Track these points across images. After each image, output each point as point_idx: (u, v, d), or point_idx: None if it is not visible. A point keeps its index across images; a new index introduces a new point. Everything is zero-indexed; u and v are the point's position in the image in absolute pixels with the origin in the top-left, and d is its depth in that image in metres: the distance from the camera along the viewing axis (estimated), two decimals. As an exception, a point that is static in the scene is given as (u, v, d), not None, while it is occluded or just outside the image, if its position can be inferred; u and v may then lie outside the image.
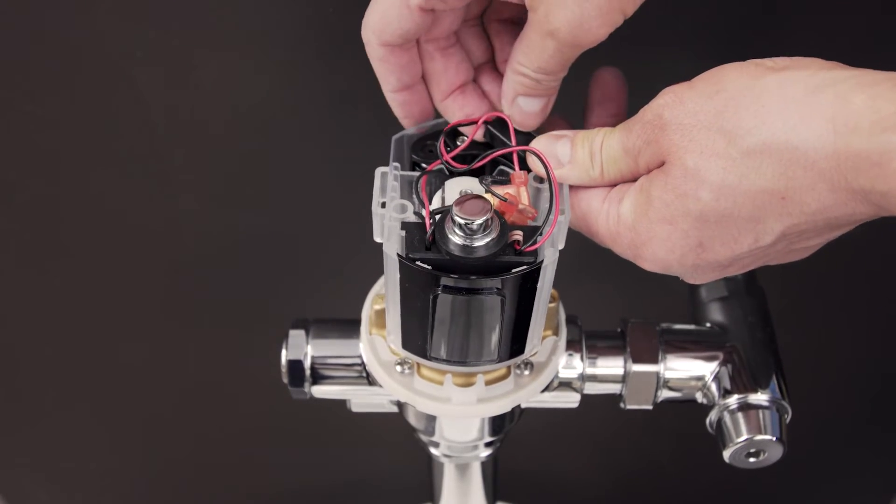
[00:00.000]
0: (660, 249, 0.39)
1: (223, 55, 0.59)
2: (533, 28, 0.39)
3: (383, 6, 0.41)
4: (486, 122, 0.44)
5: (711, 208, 0.37)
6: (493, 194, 0.40)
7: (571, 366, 0.52)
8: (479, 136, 0.45)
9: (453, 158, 0.44)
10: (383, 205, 0.42)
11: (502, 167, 0.44)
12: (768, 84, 0.35)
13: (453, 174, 0.44)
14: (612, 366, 0.52)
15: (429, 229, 0.40)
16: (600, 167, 0.41)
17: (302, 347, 0.52)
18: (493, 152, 0.43)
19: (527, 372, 0.48)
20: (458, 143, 0.45)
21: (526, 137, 0.44)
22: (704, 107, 0.36)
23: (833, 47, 0.58)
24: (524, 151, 0.43)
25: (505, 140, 0.44)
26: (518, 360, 0.47)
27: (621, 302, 0.73)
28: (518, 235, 0.40)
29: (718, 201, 0.36)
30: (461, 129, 0.45)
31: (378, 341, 0.49)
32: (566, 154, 0.42)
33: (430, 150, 0.45)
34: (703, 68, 0.38)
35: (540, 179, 0.43)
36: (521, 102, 0.43)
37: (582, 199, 0.42)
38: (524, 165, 0.43)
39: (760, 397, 0.50)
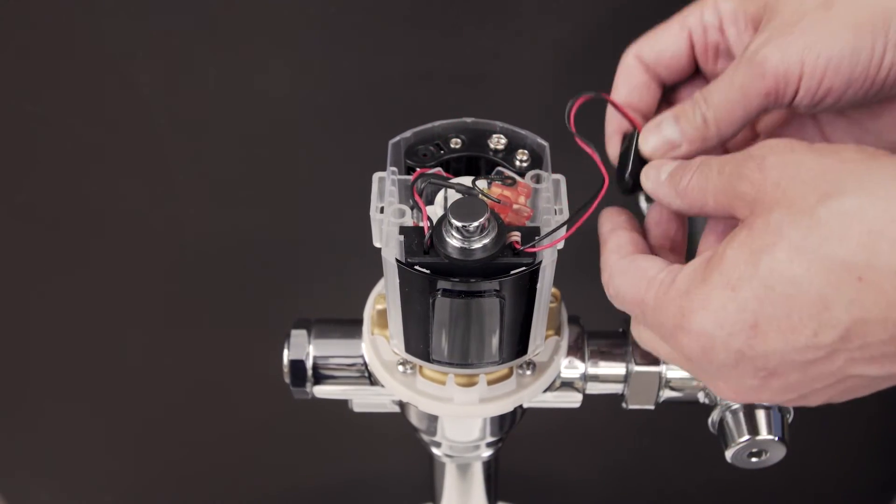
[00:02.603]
0: (708, 321, 0.35)
1: (224, 55, 0.59)
2: (741, 61, 0.40)
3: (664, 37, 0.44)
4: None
5: (781, 272, 0.33)
6: (487, 196, 0.40)
7: (573, 366, 0.52)
8: (457, 144, 0.45)
9: (445, 165, 0.44)
10: (382, 210, 0.42)
11: (499, 168, 0.44)
12: (888, 163, 0.33)
13: (449, 171, 0.44)
14: (614, 366, 0.52)
15: (426, 233, 0.39)
16: (687, 192, 0.39)
17: (304, 347, 0.52)
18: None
19: (529, 372, 0.48)
20: (452, 146, 0.44)
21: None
22: (813, 164, 0.34)
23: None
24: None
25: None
26: (520, 360, 0.47)
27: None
28: (516, 236, 0.40)
29: (792, 264, 0.33)
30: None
31: (380, 341, 0.49)
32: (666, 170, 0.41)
33: (424, 153, 0.44)
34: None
35: (537, 179, 0.43)
36: (665, 121, 0.42)
37: (638, 267, 0.40)
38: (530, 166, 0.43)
39: (762, 397, 0.50)
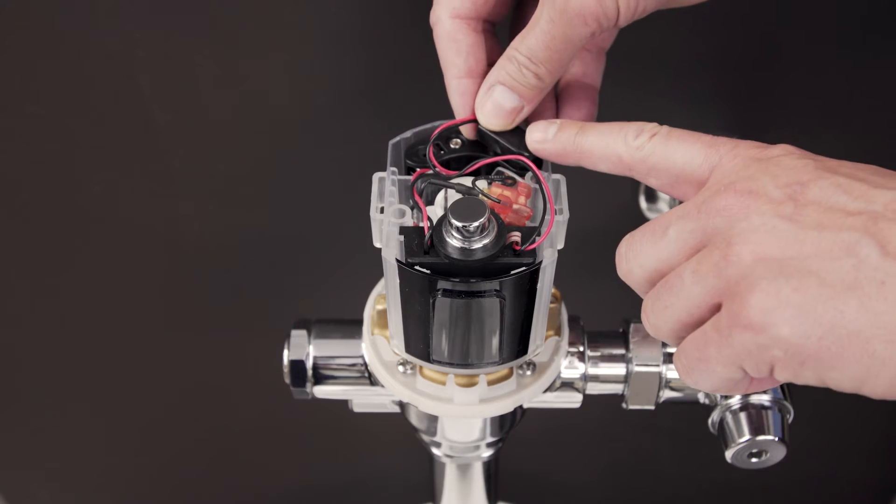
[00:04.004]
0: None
1: (224, 55, 0.59)
2: (539, 8, 0.39)
3: None
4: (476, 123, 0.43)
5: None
6: (486, 196, 0.40)
7: (573, 366, 0.51)
8: (470, 134, 0.44)
9: (445, 164, 0.43)
10: (382, 210, 0.42)
11: (500, 168, 0.44)
12: None
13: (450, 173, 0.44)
14: (614, 366, 0.52)
15: (427, 233, 0.39)
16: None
17: (304, 347, 0.52)
18: (482, 160, 0.43)
19: (529, 372, 0.48)
20: (452, 147, 0.44)
21: (520, 140, 0.43)
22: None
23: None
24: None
25: (501, 142, 0.43)
26: (520, 360, 0.47)
27: (623, 302, 0.73)
28: (516, 236, 0.40)
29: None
30: (458, 128, 0.45)
31: (380, 341, 0.49)
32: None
33: (424, 153, 0.44)
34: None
35: (536, 179, 0.43)
36: (496, 92, 0.41)
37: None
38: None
39: (762, 397, 0.50)
